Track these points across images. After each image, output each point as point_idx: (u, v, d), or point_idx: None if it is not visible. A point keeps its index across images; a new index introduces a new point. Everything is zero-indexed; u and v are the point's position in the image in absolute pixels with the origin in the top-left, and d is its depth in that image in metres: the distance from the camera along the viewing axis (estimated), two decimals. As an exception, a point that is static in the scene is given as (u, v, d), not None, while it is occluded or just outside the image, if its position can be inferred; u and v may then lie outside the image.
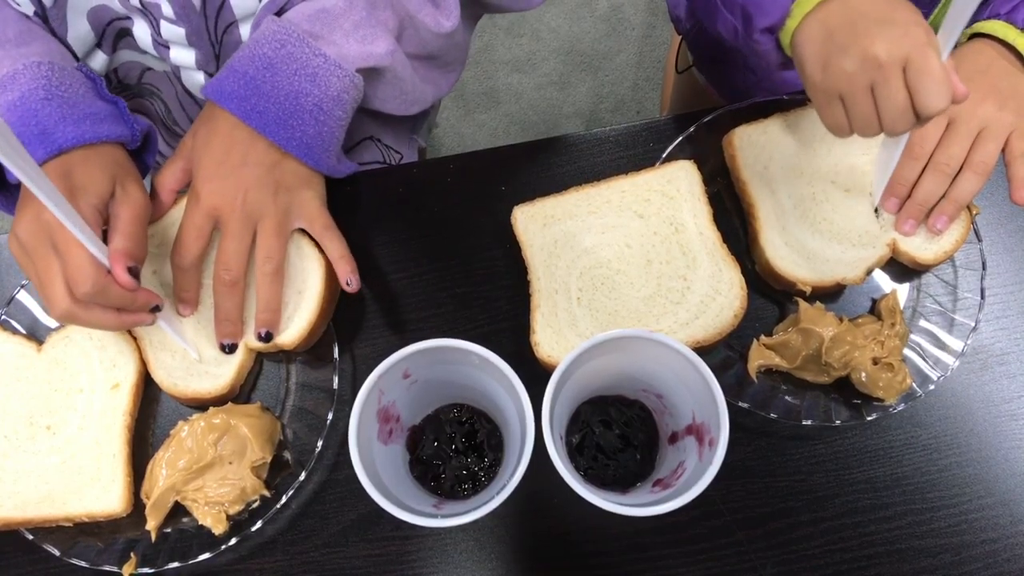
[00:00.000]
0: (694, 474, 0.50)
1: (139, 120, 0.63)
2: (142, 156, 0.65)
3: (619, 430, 0.59)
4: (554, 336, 0.63)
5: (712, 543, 0.61)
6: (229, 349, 0.62)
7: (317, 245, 0.64)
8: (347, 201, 0.71)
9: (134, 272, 0.55)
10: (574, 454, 0.58)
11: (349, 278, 0.63)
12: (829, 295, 0.66)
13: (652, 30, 1.80)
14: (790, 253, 0.64)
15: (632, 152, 0.72)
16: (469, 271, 0.69)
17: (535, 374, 0.61)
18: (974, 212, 0.65)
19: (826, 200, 0.66)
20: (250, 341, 0.63)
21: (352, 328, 0.68)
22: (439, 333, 0.53)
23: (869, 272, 0.64)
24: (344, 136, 0.65)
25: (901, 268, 0.66)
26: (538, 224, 0.67)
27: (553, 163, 0.72)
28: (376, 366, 0.51)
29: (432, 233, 0.71)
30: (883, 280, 0.67)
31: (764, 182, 0.67)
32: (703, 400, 0.51)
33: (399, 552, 0.62)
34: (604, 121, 1.74)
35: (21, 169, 0.45)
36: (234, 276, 0.60)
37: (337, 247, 0.63)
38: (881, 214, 0.65)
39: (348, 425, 0.50)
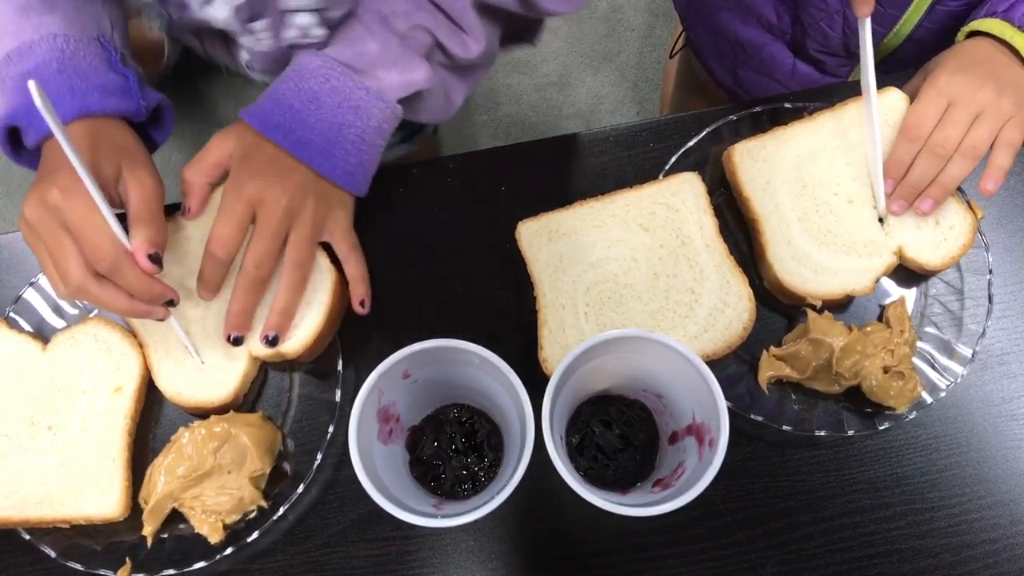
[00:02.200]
0: (694, 474, 0.50)
1: (149, 94, 0.63)
2: (149, 132, 0.65)
3: (619, 430, 0.59)
4: (562, 352, 0.62)
5: (712, 543, 0.61)
6: (236, 342, 0.62)
7: (330, 258, 0.65)
8: (347, 201, 0.71)
9: (156, 258, 0.56)
10: (574, 454, 0.58)
11: (364, 299, 0.64)
12: (838, 306, 0.66)
13: (652, 30, 1.80)
14: (798, 267, 0.64)
15: (632, 152, 0.72)
16: (469, 271, 0.69)
17: (535, 374, 0.61)
18: (979, 216, 0.65)
19: (830, 212, 0.65)
20: (254, 348, 0.63)
21: (352, 328, 0.68)
22: (439, 333, 0.52)
23: (877, 281, 0.64)
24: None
25: (906, 274, 0.66)
26: (543, 239, 0.66)
27: (553, 163, 0.72)
28: (376, 366, 0.51)
29: (432, 233, 0.71)
30: (889, 286, 0.67)
31: (767, 197, 0.66)
32: (703, 400, 0.51)
33: (399, 552, 0.62)
34: (604, 121, 1.74)
35: (59, 132, 0.50)
36: (265, 274, 0.60)
37: (359, 269, 0.65)
38: (887, 222, 0.65)
39: (348, 431, 0.50)
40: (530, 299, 0.65)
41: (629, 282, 0.64)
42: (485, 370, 0.54)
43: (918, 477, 0.62)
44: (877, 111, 0.63)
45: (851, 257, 0.64)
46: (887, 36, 0.77)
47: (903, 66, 0.71)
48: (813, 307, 0.63)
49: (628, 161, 0.72)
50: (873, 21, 0.76)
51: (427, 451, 0.58)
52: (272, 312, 0.62)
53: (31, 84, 0.47)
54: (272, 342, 0.61)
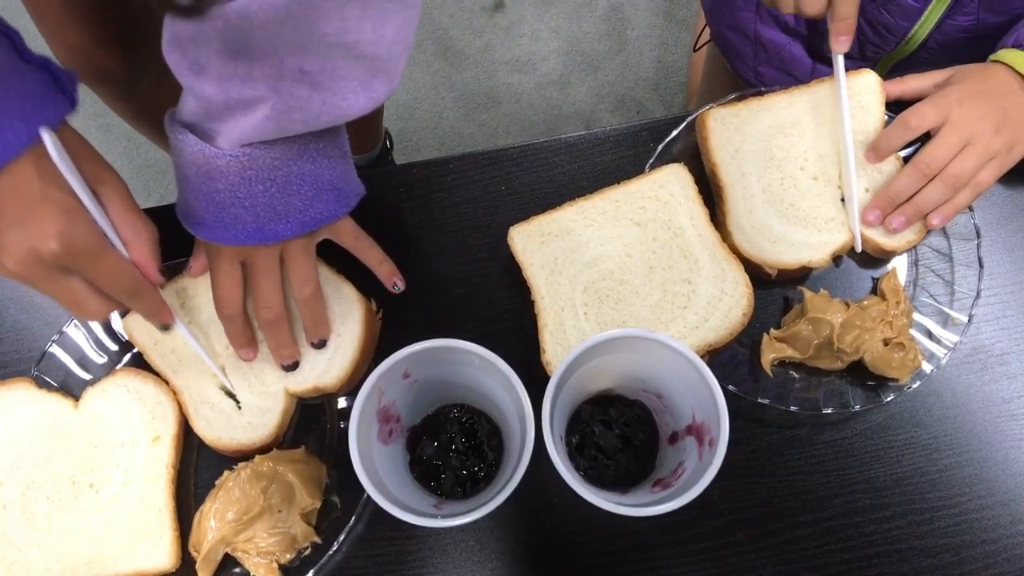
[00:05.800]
0: (694, 474, 0.50)
1: (67, 73, 0.50)
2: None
3: (619, 430, 0.59)
4: (564, 354, 0.62)
5: (712, 543, 0.61)
6: (291, 367, 0.63)
7: (355, 285, 0.64)
8: (347, 201, 0.71)
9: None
10: (574, 454, 0.58)
11: (394, 280, 0.64)
12: (796, 278, 0.67)
13: (652, 30, 1.80)
14: (757, 236, 0.65)
15: (632, 152, 0.72)
16: (469, 271, 0.69)
17: (535, 375, 0.61)
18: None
19: (794, 186, 0.66)
20: (291, 385, 0.63)
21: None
22: (439, 333, 0.52)
23: (835, 256, 0.65)
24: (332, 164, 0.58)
25: (864, 255, 0.67)
26: (535, 242, 0.66)
27: (553, 163, 0.72)
28: (376, 366, 0.51)
29: (432, 233, 0.71)
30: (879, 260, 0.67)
31: (735, 165, 0.67)
32: (703, 400, 0.51)
33: (399, 552, 0.62)
34: (604, 121, 1.74)
35: (76, 181, 0.47)
36: (276, 313, 0.60)
37: (374, 253, 0.64)
38: (849, 203, 0.66)
39: (348, 431, 0.50)
40: (530, 299, 0.65)
41: (625, 278, 0.64)
42: (485, 370, 0.54)
43: (918, 477, 0.62)
44: (847, 101, 0.64)
45: (809, 231, 0.65)
46: (900, 44, 0.78)
47: (916, 71, 0.72)
48: (769, 277, 0.64)
49: (628, 161, 0.72)
50: (885, 30, 0.77)
51: (427, 451, 0.58)
52: (305, 329, 0.62)
53: (45, 135, 0.43)
54: (319, 345, 0.62)
